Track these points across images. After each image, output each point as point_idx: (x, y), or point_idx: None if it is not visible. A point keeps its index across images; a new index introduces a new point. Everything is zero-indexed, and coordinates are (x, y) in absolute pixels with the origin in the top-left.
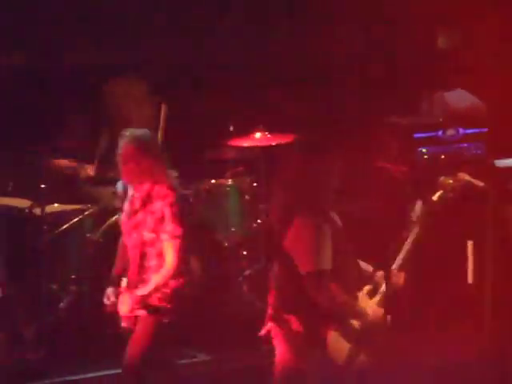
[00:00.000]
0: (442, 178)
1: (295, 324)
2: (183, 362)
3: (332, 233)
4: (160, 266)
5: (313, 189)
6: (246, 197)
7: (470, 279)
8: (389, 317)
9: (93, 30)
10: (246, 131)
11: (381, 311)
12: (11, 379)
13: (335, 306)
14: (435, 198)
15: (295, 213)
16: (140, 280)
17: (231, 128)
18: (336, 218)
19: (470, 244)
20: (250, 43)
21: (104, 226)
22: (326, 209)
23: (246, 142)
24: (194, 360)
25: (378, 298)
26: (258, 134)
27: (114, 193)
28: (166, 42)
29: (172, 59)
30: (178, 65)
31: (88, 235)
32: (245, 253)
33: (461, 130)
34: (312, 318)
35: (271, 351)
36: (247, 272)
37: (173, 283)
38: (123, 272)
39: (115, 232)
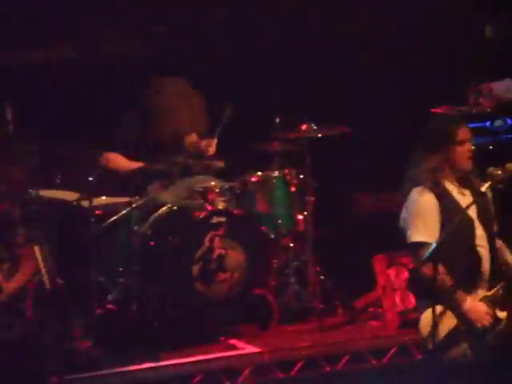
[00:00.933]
0: (490, 169)
1: None
2: (232, 353)
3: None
4: None
5: None
6: (292, 189)
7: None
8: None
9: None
10: (293, 123)
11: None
12: (62, 370)
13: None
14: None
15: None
16: None
17: (277, 120)
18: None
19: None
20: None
21: (151, 219)
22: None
23: (292, 134)
24: (243, 352)
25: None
26: (304, 126)
27: None
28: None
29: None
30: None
31: (135, 228)
32: (291, 245)
33: (509, 121)
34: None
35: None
36: (294, 264)
37: None
38: None
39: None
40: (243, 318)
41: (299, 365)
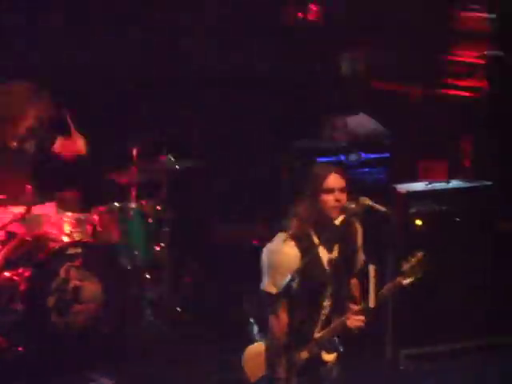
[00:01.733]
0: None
1: None
2: None
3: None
4: None
5: None
6: (150, 220)
7: (371, 303)
8: None
9: None
10: (150, 154)
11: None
12: None
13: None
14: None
15: None
16: None
17: (135, 151)
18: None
19: (372, 268)
20: None
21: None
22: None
23: (149, 166)
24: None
25: None
26: (162, 157)
27: None
28: None
29: None
30: None
31: None
32: (148, 276)
33: (363, 155)
34: None
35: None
36: (150, 295)
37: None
38: None
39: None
40: (99, 349)
41: None
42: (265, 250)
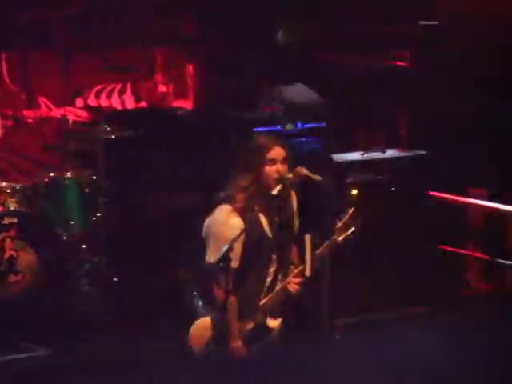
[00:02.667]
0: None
1: None
2: (22, 356)
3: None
4: None
5: None
6: (86, 190)
7: (308, 272)
8: None
9: None
10: (86, 124)
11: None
12: None
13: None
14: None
15: None
16: None
17: (70, 120)
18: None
19: (307, 237)
20: None
21: None
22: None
23: (86, 135)
24: (33, 354)
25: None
26: (98, 127)
27: None
28: None
29: None
30: None
31: None
32: (84, 246)
33: (299, 125)
34: None
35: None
36: (86, 265)
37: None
38: None
39: None
40: (35, 319)
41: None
42: (208, 221)
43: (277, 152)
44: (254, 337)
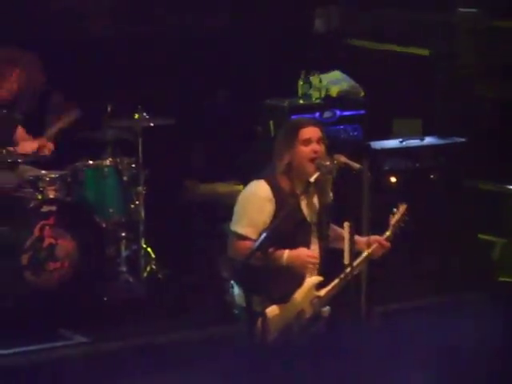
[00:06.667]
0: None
1: None
2: (60, 344)
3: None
4: None
5: None
6: (125, 178)
7: (346, 260)
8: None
9: None
10: (125, 112)
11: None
12: None
13: None
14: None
15: None
16: None
17: (109, 108)
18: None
19: (346, 225)
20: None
21: None
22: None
23: (124, 123)
24: (72, 342)
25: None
26: (136, 115)
27: None
28: None
29: None
30: None
31: None
32: (123, 234)
33: (338, 112)
34: None
35: (148, 331)
36: (125, 253)
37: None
38: None
39: None
40: (73, 307)
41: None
42: (242, 193)
43: (311, 131)
44: (308, 325)
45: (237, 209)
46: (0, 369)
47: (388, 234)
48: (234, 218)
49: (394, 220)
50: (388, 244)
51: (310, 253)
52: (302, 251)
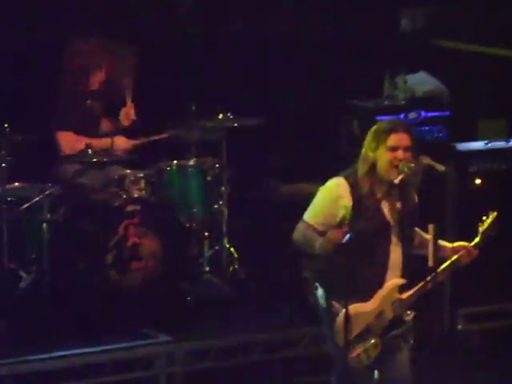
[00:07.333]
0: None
1: None
2: (144, 342)
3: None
4: None
5: None
6: (208, 178)
7: (430, 263)
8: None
9: None
10: (209, 112)
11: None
12: None
13: None
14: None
15: None
16: None
17: (193, 108)
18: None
19: (430, 227)
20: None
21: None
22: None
23: (208, 123)
24: (155, 341)
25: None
26: (221, 115)
27: None
28: None
29: None
30: None
31: (48, 215)
32: (206, 234)
33: (423, 113)
34: None
35: (232, 332)
36: (208, 253)
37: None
38: None
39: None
40: (157, 306)
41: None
42: (323, 187)
43: (400, 138)
44: (389, 328)
45: (313, 200)
46: (87, 366)
47: (477, 240)
48: (309, 207)
49: (483, 227)
50: (476, 251)
51: (340, 230)
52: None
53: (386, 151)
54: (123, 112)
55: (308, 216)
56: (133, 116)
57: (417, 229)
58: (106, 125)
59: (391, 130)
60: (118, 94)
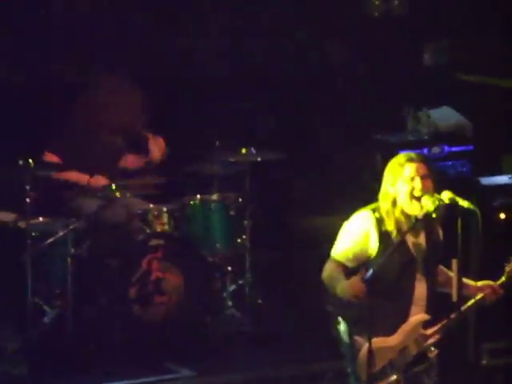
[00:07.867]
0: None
1: None
2: (167, 377)
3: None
4: None
5: None
6: (231, 212)
7: (454, 298)
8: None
9: None
10: (232, 147)
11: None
12: None
13: None
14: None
15: None
16: None
17: (217, 143)
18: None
19: (454, 262)
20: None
21: (89, 241)
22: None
23: (231, 158)
24: (178, 375)
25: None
26: (243, 150)
27: None
28: None
29: None
30: None
31: (72, 250)
32: (230, 268)
33: (446, 148)
34: None
35: (254, 367)
36: (232, 288)
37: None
38: None
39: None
40: (180, 341)
41: None
42: (349, 221)
43: (416, 168)
44: (413, 364)
45: (339, 235)
46: None
47: (503, 279)
48: (336, 243)
49: (510, 267)
50: (502, 291)
51: (361, 287)
52: (354, 282)
53: (404, 183)
54: (152, 145)
55: (336, 252)
56: (164, 149)
57: (441, 266)
58: (130, 160)
59: (406, 161)
60: (135, 129)
